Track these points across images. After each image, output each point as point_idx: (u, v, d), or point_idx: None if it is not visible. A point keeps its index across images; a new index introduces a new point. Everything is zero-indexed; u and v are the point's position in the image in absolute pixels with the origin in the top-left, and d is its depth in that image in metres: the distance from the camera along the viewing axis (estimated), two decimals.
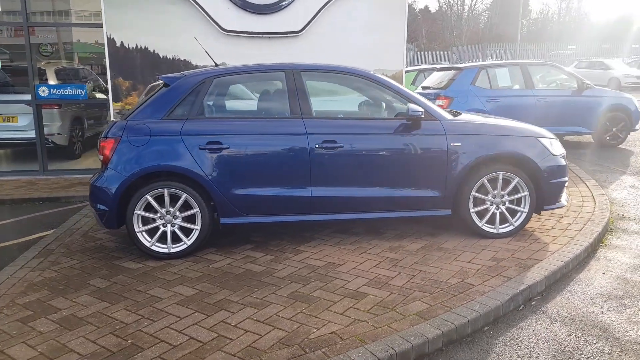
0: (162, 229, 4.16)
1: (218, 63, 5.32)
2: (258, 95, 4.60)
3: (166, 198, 4.11)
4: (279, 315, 3.15)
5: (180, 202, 4.12)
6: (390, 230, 4.70)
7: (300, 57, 7.36)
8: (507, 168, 4.33)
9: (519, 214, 4.43)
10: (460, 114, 4.64)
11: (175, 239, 4.18)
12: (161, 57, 7.38)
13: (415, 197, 4.30)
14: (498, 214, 4.41)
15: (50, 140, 8.45)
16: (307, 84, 4.31)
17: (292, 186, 4.20)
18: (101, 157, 4.19)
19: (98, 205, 4.16)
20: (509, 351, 2.89)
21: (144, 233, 4.14)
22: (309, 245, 4.41)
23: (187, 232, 4.20)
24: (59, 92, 8.07)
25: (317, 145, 4.15)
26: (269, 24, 7.38)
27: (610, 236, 4.66)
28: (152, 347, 2.84)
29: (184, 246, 4.19)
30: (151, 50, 7.34)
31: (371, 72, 4.48)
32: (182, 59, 7.39)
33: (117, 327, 3.08)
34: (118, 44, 7.24)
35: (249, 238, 4.64)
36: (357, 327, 2.96)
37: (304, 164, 4.17)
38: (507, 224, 4.43)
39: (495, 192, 4.37)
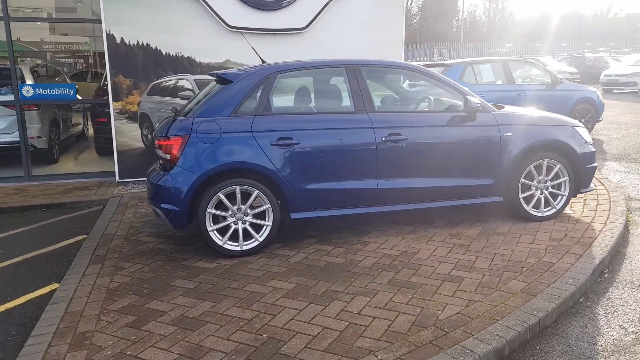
0: (233, 226, 4.14)
1: (263, 60, 5.26)
2: (321, 91, 4.65)
3: (238, 195, 4.09)
4: (394, 302, 3.26)
5: (252, 198, 4.11)
6: (438, 219, 4.92)
7: (304, 54, 7.44)
8: (551, 155, 4.67)
9: (559, 197, 4.80)
10: (503, 107, 4.94)
11: (243, 237, 4.15)
12: (164, 54, 7.19)
13: (471, 185, 4.54)
14: (542, 198, 4.75)
15: (30, 144, 7.96)
16: (367, 79, 4.42)
17: (359, 179, 4.31)
18: (167, 156, 4.09)
19: (164, 205, 4.07)
20: (612, 317, 3.18)
21: (215, 232, 4.09)
22: (370, 236, 4.54)
23: (256, 229, 4.20)
24: (45, 91, 7.63)
25: (383, 138, 4.28)
26: (273, 21, 7.39)
27: (630, 214, 5.13)
28: (292, 339, 2.87)
29: (256, 243, 4.18)
30: (153, 47, 7.13)
31: (423, 67, 4.67)
32: (185, 56, 7.24)
33: (241, 323, 3.07)
34: (118, 41, 6.96)
35: (304, 233, 4.68)
36: (477, 307, 3.14)
37: (370, 156, 4.29)
38: (550, 207, 4.78)
39: (540, 177, 4.71)
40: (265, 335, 2.92)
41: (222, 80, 4.36)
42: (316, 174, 4.22)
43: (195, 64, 7.33)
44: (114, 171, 7.33)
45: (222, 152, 4.05)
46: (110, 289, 3.67)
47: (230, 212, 4.11)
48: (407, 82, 5.84)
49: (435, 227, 4.70)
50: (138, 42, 7.05)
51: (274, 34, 7.47)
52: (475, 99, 4.39)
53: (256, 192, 4.10)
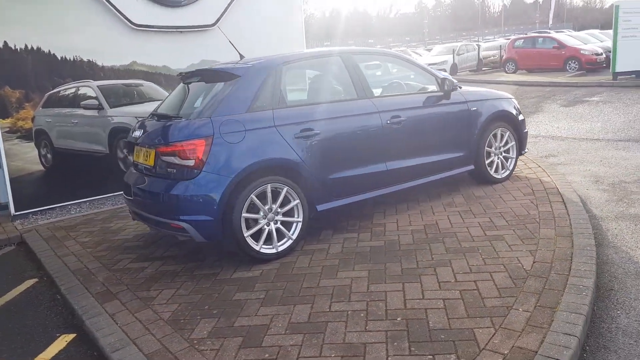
0: (266, 228, 3.90)
1: (243, 55, 4.93)
2: (326, 80, 4.58)
3: (269, 194, 3.87)
4: (474, 265, 3.49)
5: (282, 196, 3.93)
6: (419, 194, 5.26)
7: (213, 52, 7.13)
8: (502, 124, 5.39)
9: (509, 160, 5.56)
10: (461, 86, 5.48)
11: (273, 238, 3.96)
12: (59, 58, 6.22)
13: (453, 157, 5.00)
14: (499, 162, 5.45)
15: None
16: (360, 65, 4.54)
17: (372, 163, 4.42)
18: (186, 163, 3.65)
19: (193, 217, 3.64)
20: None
21: (249, 237, 3.82)
22: (378, 218, 4.68)
23: (286, 227, 4.03)
24: None
25: (387, 122, 4.46)
26: (181, 18, 6.93)
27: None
28: (428, 315, 2.91)
29: (290, 242, 4.01)
30: (46, 50, 6.11)
31: (400, 53, 4.95)
32: (85, 59, 6.37)
33: (362, 314, 2.99)
34: (1, 45, 5.79)
35: (312, 225, 4.60)
36: (542, 255, 3.56)
37: (379, 140, 4.43)
38: (505, 170, 5.51)
39: (496, 144, 5.40)
40: (400, 319, 2.91)
41: (224, 75, 4.05)
42: (337, 162, 4.21)
43: (97, 68, 6.48)
44: (7, 203, 6.09)
45: (250, 151, 3.78)
46: (170, 320, 3.18)
47: (262, 214, 3.87)
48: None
49: (426, 202, 5.05)
50: (27, 45, 5.95)
51: (181, 31, 6.98)
52: (453, 79, 4.84)
53: (286, 188, 3.93)
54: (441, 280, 3.32)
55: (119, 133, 6.72)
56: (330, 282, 3.46)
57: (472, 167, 5.20)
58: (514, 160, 5.57)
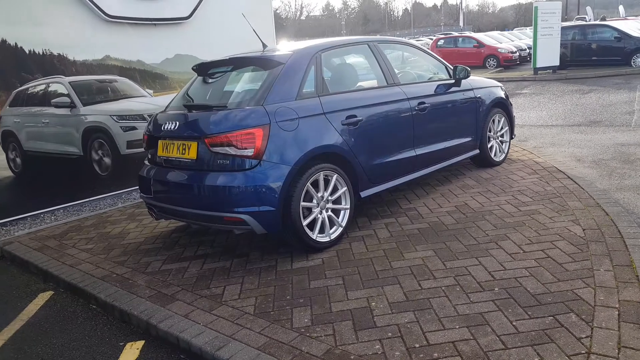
0: (319, 217, 3.84)
1: (266, 44, 4.72)
2: (359, 67, 4.55)
3: (321, 182, 3.81)
4: (533, 236, 3.68)
5: (332, 183, 3.88)
6: (433, 180, 5.40)
7: (187, 47, 6.89)
8: (499, 110, 5.70)
9: (504, 144, 5.90)
10: None
11: (323, 226, 3.90)
12: (27, 52, 5.65)
13: (464, 142, 5.21)
14: (497, 146, 5.77)
15: None
16: (386, 53, 4.60)
17: (404, 148, 4.50)
18: (244, 152, 3.49)
19: (259, 209, 3.49)
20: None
21: (305, 226, 3.73)
22: (403, 203, 4.76)
23: (334, 215, 3.99)
24: None
25: (415, 108, 4.56)
26: (156, 10, 6.57)
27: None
28: (523, 283, 3.03)
29: (340, 229, 3.97)
30: (12, 43, 5.51)
31: (415, 42, 5.07)
32: (55, 53, 5.84)
33: (457, 289, 3.04)
34: None
35: None
36: (585, 222, 3.84)
37: (409, 126, 4.52)
38: (501, 153, 5.84)
39: (495, 129, 5.70)
40: (497, 289, 3.00)
41: (265, 63, 3.93)
42: (377, 148, 4.23)
43: (69, 63, 5.96)
44: None
45: (305, 139, 3.70)
46: (258, 313, 3.03)
47: (315, 202, 3.80)
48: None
49: (440, 186, 5.21)
50: None
51: (154, 24, 6.62)
52: (466, 67, 5.05)
53: (335, 176, 3.89)
54: (510, 252, 3.47)
55: (93, 133, 6.24)
56: (402, 263, 3.48)
57: (477, 151, 5.45)
58: (507, 144, 5.91)
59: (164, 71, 6.83)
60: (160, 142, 4.04)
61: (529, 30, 33.75)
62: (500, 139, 5.80)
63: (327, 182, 3.86)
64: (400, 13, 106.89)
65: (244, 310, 3.08)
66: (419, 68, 5.22)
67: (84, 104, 6.12)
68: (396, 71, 4.64)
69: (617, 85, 12.57)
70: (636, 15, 37.41)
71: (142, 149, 6.64)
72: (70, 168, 6.05)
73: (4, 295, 4.02)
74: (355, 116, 4.04)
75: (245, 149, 3.48)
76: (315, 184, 3.77)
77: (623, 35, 15.84)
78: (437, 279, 3.19)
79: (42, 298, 3.90)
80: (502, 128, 5.80)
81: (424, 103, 4.64)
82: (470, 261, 3.39)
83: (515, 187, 4.91)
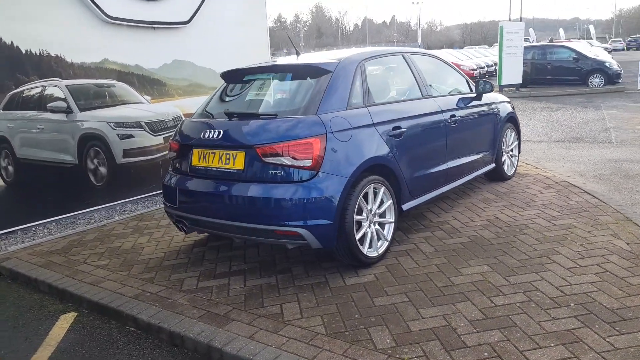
0: (369, 231, 3.72)
1: (298, 52, 4.58)
2: (397, 78, 4.47)
3: (370, 195, 3.70)
4: (582, 250, 3.72)
5: (380, 196, 3.78)
6: (453, 194, 5.38)
7: (184, 53, 6.67)
8: (510, 125, 5.81)
9: (514, 158, 6.01)
10: None
11: (371, 240, 3.78)
12: (23, 52, 5.25)
13: (484, 156, 5.24)
14: (508, 160, 5.86)
15: None
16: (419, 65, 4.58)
17: (439, 161, 4.46)
18: (301, 163, 3.33)
19: (314, 222, 3.33)
20: None
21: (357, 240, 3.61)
22: (434, 216, 4.72)
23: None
24: None
25: (448, 121, 4.55)
26: (156, 13, 6.31)
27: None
28: (596, 295, 3.03)
29: (386, 243, 3.87)
30: (8, 42, 5.11)
31: (439, 56, 5.08)
32: (53, 54, 5.47)
33: (542, 305, 3.01)
34: None
35: None
36: (629, 237, 3.93)
37: (443, 138, 4.50)
38: (512, 167, 5.94)
39: (507, 143, 5.79)
40: (573, 304, 2.98)
41: (311, 71, 3.79)
42: (417, 160, 4.17)
43: (66, 65, 5.59)
44: None
45: (359, 150, 3.59)
46: (332, 334, 2.87)
47: (364, 215, 3.68)
48: None
49: (461, 199, 5.20)
50: None
51: (154, 27, 6.34)
52: (489, 82, 5.10)
53: (383, 188, 3.79)
54: (567, 267, 3.47)
55: (89, 140, 5.85)
56: (462, 279, 3.41)
57: (494, 165, 5.51)
58: (517, 158, 6.02)
59: (162, 77, 6.53)
60: (195, 151, 3.81)
61: (479, 48, 35.18)
62: (510, 153, 5.90)
63: (374, 195, 3.75)
64: (352, 28, 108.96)
65: (315, 331, 2.91)
66: (443, 81, 5.23)
67: (81, 110, 5.75)
68: (428, 83, 4.62)
69: (581, 104, 13.21)
70: (571, 39, 39.91)
71: (138, 159, 6.39)
72: (65, 177, 5.64)
73: (19, 318, 3.64)
74: (400, 127, 3.96)
75: (302, 159, 3.33)
76: (364, 197, 3.66)
77: (581, 57, 16.72)
78: (507, 295, 3.14)
79: (66, 320, 3.55)
80: (512, 142, 5.90)
81: (454, 116, 4.64)
82: (532, 276, 3.37)
83: (537, 201, 4.98)
